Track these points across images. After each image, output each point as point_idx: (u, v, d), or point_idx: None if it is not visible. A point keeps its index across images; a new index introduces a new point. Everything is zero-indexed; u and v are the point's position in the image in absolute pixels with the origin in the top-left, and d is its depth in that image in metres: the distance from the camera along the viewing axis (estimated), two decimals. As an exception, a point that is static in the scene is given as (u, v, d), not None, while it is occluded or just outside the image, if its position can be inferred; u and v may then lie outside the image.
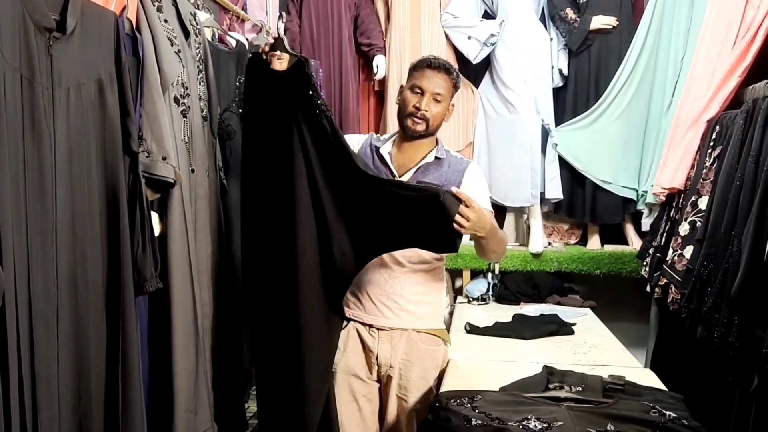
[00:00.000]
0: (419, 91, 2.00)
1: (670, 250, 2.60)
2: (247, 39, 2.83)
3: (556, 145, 3.43)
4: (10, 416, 1.29)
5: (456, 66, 3.52)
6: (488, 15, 3.56)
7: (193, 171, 1.98)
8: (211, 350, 2.11)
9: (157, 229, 1.77)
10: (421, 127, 2.00)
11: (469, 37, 3.44)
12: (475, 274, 3.52)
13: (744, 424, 1.93)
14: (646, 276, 2.92)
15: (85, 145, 1.49)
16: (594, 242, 3.54)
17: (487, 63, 3.59)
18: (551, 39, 3.49)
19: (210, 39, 2.39)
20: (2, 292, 1.25)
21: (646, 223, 3.26)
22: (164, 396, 1.84)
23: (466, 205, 1.75)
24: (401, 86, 2.11)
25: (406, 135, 2.04)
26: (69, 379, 1.46)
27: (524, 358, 2.21)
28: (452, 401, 1.63)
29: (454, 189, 1.81)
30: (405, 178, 2.02)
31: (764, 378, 1.73)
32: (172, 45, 1.85)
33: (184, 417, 1.86)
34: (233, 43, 2.61)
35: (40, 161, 1.38)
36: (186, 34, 1.98)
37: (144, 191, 1.63)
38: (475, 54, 3.46)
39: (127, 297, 1.56)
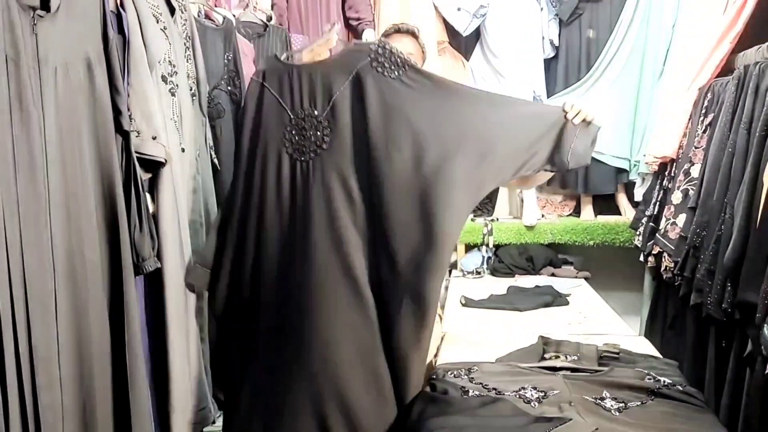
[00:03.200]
0: None
1: (663, 219, 2.61)
2: (233, 15, 2.80)
3: (549, 116, 3.42)
4: (7, 401, 1.29)
5: (446, 38, 3.54)
6: (478, -14, 3.52)
7: (183, 150, 1.96)
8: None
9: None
10: None
11: (459, 9, 3.41)
12: (470, 247, 3.53)
13: (738, 389, 1.96)
14: (639, 245, 2.94)
15: (75, 125, 1.47)
16: (587, 213, 3.55)
17: (477, 35, 3.56)
18: (541, 9, 3.46)
19: (196, 15, 2.36)
20: None
21: (638, 193, 3.27)
22: (160, 375, 1.85)
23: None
24: None
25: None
26: (71, 361, 1.46)
27: (520, 330, 2.22)
28: (449, 373, 1.64)
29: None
30: None
31: (757, 343, 1.75)
32: (157, 22, 1.82)
33: (182, 396, 1.87)
34: (220, 19, 2.58)
35: (29, 143, 1.36)
36: (171, 10, 1.95)
37: (138, 171, 1.62)
38: (465, 26, 3.43)
39: (128, 277, 1.56)
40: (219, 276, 1.85)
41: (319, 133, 1.74)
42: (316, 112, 1.75)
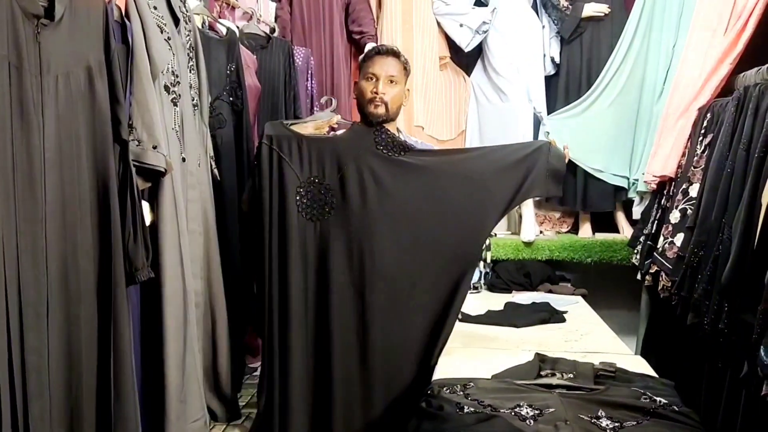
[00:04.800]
0: (373, 77, 2.14)
1: (661, 238, 2.61)
2: (237, 26, 2.81)
3: (548, 133, 3.43)
4: (0, 406, 1.28)
5: (448, 54, 3.56)
6: (480, 2, 3.54)
7: (183, 160, 1.97)
8: (202, 340, 2.10)
9: (148, 219, 1.76)
10: (381, 110, 2.13)
11: (461, 25, 3.43)
12: (467, 262, 3.52)
13: (734, 410, 1.95)
14: (636, 264, 2.94)
15: (74, 134, 1.47)
16: (585, 230, 3.55)
17: (479, 51, 3.58)
18: (543, 27, 3.48)
19: (200, 26, 2.37)
20: None
21: (637, 211, 3.27)
22: (156, 386, 1.84)
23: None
24: (355, 82, 2.32)
25: (368, 123, 2.16)
26: (60, 369, 1.46)
27: (516, 346, 2.22)
28: (445, 389, 1.63)
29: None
30: None
31: (753, 364, 1.74)
32: (161, 32, 1.84)
33: (176, 407, 1.86)
34: (223, 30, 2.59)
35: (28, 150, 1.36)
36: (176, 21, 1.96)
37: (135, 180, 1.62)
38: (467, 42, 3.45)
39: (119, 287, 1.55)
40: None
41: (327, 198, 2.10)
42: (325, 181, 2.10)
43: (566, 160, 2.19)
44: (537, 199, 3.59)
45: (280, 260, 2.11)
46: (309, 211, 2.11)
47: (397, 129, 2.22)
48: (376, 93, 2.12)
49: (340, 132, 2.23)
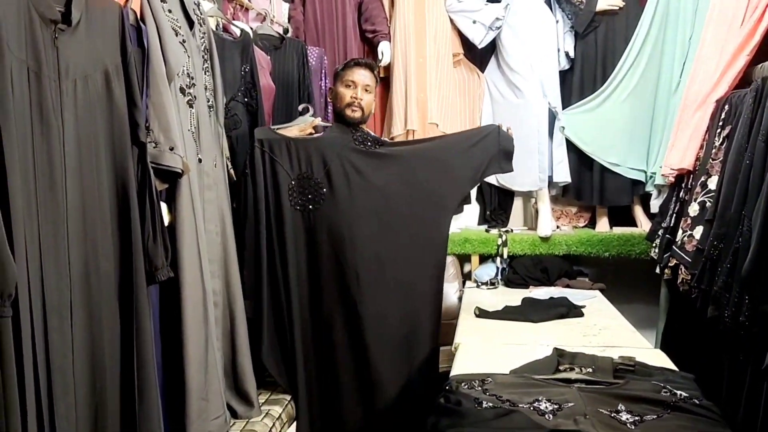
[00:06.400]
0: (352, 84, 2.50)
1: (680, 231, 2.60)
2: (251, 28, 2.83)
3: (564, 128, 3.42)
4: (26, 408, 1.30)
5: (461, 51, 3.55)
6: (493, -2, 3.53)
7: (200, 161, 1.98)
8: (221, 339, 2.12)
9: (166, 219, 1.78)
10: (357, 114, 2.50)
11: (474, 21, 3.43)
12: (484, 258, 3.52)
13: (755, 403, 1.93)
14: (655, 257, 2.92)
15: (93, 137, 1.49)
16: (603, 225, 3.53)
17: (492, 47, 3.58)
18: (557, 21, 3.47)
19: (214, 28, 2.39)
20: (15, 283, 1.25)
21: (655, 205, 3.25)
22: (177, 384, 1.86)
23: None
24: (330, 88, 2.76)
25: (346, 124, 2.51)
26: (84, 369, 1.47)
27: (534, 341, 2.21)
28: (463, 385, 1.63)
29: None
30: None
31: (775, 356, 1.73)
32: (176, 35, 1.85)
33: (197, 405, 1.87)
34: (237, 32, 2.61)
35: (49, 153, 1.38)
36: (190, 23, 1.98)
37: (153, 181, 1.63)
38: (480, 38, 3.45)
39: (140, 287, 1.57)
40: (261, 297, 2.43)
41: (317, 191, 2.43)
42: (313, 175, 2.43)
43: (512, 140, 2.58)
44: (553, 193, 3.59)
45: (279, 248, 2.42)
46: (301, 203, 2.43)
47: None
48: (355, 98, 2.48)
49: (321, 133, 2.52)
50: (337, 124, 2.55)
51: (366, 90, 2.51)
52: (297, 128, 2.50)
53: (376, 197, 2.46)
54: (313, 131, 2.52)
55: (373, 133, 2.61)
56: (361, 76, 2.51)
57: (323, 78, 3.26)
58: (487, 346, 2.18)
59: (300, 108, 2.66)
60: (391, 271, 2.47)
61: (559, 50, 3.48)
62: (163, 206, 1.76)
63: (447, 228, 2.58)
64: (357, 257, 2.42)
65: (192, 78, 1.95)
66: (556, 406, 1.48)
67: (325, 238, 2.43)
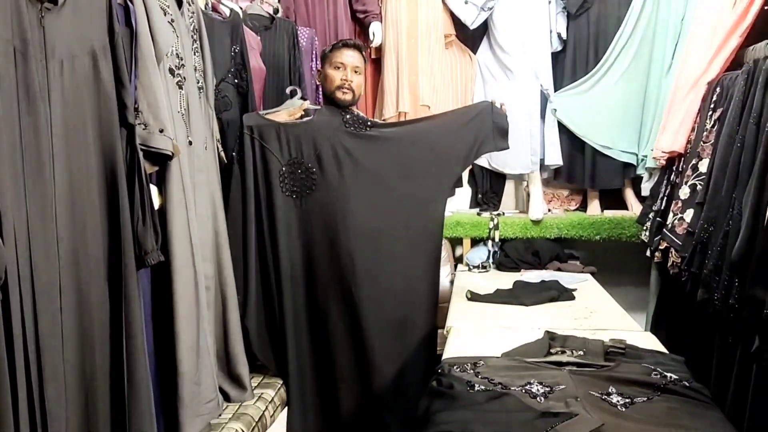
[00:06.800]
0: (341, 65, 2.48)
1: (671, 214, 2.60)
2: (240, 7, 2.79)
3: (555, 110, 3.41)
4: (17, 391, 1.29)
5: (453, 32, 3.53)
6: (485, -21, 3.50)
7: (190, 143, 1.96)
8: (214, 323, 2.12)
9: (156, 202, 1.76)
10: (348, 96, 2.49)
11: (466, 2, 3.40)
12: (476, 242, 3.53)
13: (744, 385, 1.95)
14: (646, 240, 2.93)
15: (81, 118, 1.47)
16: (594, 208, 3.54)
17: (484, 28, 3.55)
18: (549, 2, 3.44)
19: (203, 8, 2.35)
20: (4, 267, 1.24)
21: (646, 188, 3.26)
22: (169, 368, 1.85)
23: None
24: (318, 70, 2.75)
25: (335, 106, 2.50)
26: (74, 353, 1.47)
27: (526, 324, 2.22)
28: (455, 368, 1.64)
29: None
30: None
31: (765, 339, 1.74)
32: (165, 14, 1.82)
33: (189, 389, 1.87)
34: (227, 12, 2.57)
35: (36, 135, 1.36)
36: (179, 3, 1.95)
37: (142, 164, 1.62)
38: (472, 19, 3.42)
39: (129, 271, 1.56)
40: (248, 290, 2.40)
41: (308, 176, 2.41)
42: (304, 161, 2.41)
43: (507, 117, 2.57)
44: (545, 176, 3.59)
45: (270, 235, 2.41)
46: (293, 189, 2.42)
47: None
48: (345, 80, 2.46)
49: (311, 117, 2.49)
50: (327, 106, 2.53)
51: (355, 71, 2.50)
52: (286, 112, 2.47)
53: (369, 180, 2.45)
54: (304, 113, 2.49)
55: (363, 115, 2.60)
56: (350, 57, 2.49)
57: (314, 59, 3.23)
58: (479, 330, 2.18)
59: (288, 91, 2.62)
60: (386, 253, 2.46)
61: (551, 31, 3.45)
62: (153, 189, 1.75)
63: (442, 209, 2.57)
64: (351, 241, 2.41)
65: (181, 59, 1.92)
66: (547, 389, 1.48)
67: (318, 223, 2.42)
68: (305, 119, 2.48)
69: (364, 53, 2.56)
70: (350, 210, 2.42)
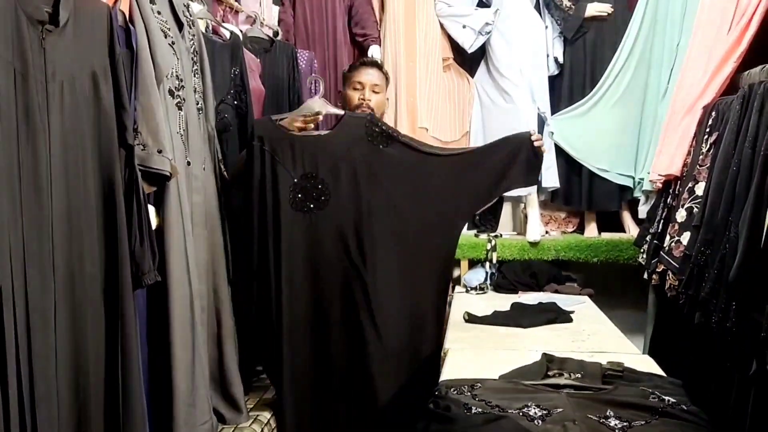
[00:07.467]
0: (360, 86, 2.48)
1: (667, 237, 2.61)
2: (241, 30, 2.82)
3: (553, 133, 3.43)
4: (9, 411, 1.28)
5: (451, 55, 3.56)
6: (483, 4, 3.55)
7: (189, 164, 1.97)
8: (209, 344, 2.11)
9: (153, 223, 1.76)
10: None
11: (464, 26, 3.44)
12: (473, 263, 3.52)
13: (743, 409, 1.94)
14: (643, 263, 2.93)
15: (80, 140, 1.48)
16: (591, 230, 3.55)
17: (482, 52, 3.58)
18: (546, 27, 3.48)
19: (204, 30, 2.37)
20: None
21: (642, 211, 3.26)
22: (163, 390, 1.84)
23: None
24: (339, 91, 2.72)
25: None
26: (67, 374, 1.46)
27: (523, 347, 2.21)
28: (452, 390, 1.63)
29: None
30: None
31: (762, 363, 1.73)
32: (165, 37, 1.84)
33: (183, 411, 1.86)
34: (227, 34, 2.60)
35: (34, 156, 1.37)
36: (179, 25, 1.97)
37: (141, 184, 1.62)
38: (470, 43, 3.45)
39: (126, 291, 1.55)
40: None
41: (321, 192, 2.27)
42: (319, 176, 2.27)
43: (543, 154, 2.40)
44: (542, 198, 3.60)
45: (275, 252, 2.28)
46: (303, 204, 2.29)
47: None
48: (363, 100, 2.45)
49: (329, 131, 2.36)
50: (350, 115, 2.40)
51: (374, 91, 2.48)
52: (302, 119, 2.33)
53: (384, 201, 2.32)
54: (319, 119, 2.37)
55: (386, 127, 2.37)
56: (369, 75, 2.48)
57: (313, 81, 3.25)
58: (477, 352, 2.17)
59: (308, 81, 2.49)
60: (396, 276, 2.35)
61: (548, 56, 3.50)
62: (151, 209, 1.75)
63: (455, 239, 2.44)
64: (365, 262, 2.31)
65: (181, 80, 1.93)
66: (545, 412, 1.47)
67: (326, 240, 2.31)
68: (324, 132, 2.36)
69: (384, 71, 2.55)
70: (363, 230, 2.30)
